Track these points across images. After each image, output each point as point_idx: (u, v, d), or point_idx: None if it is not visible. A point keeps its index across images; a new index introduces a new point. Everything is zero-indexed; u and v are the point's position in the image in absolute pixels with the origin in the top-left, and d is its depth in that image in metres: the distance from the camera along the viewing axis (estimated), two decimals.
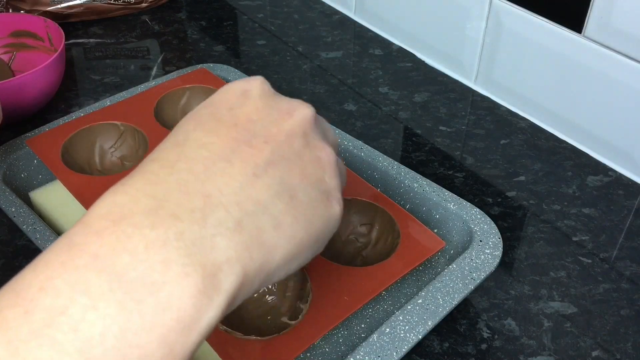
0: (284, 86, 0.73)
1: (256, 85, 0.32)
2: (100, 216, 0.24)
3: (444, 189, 0.52)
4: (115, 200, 0.25)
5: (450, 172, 0.62)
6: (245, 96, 0.31)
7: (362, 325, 0.45)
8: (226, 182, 0.26)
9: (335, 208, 0.31)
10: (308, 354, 0.43)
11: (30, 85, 0.62)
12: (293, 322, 0.42)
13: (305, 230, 0.28)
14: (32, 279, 0.23)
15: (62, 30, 0.68)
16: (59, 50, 0.65)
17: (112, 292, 0.22)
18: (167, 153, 0.28)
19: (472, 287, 0.44)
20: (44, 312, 0.22)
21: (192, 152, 0.27)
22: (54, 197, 0.54)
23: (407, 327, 0.41)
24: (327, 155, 0.31)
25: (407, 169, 0.54)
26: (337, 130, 0.58)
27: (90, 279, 0.22)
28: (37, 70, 0.61)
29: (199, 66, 0.66)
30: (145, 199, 0.25)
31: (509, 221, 0.57)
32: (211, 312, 0.24)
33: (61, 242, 0.24)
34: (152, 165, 0.27)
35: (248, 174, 0.27)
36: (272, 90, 0.33)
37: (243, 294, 0.26)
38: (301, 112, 0.31)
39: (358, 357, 0.40)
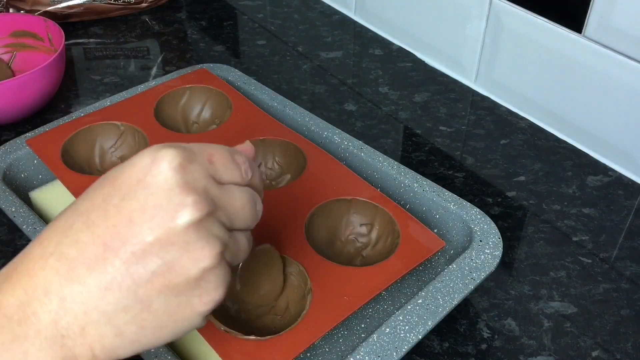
0: (284, 86, 0.73)
1: (163, 170, 0.29)
2: None
3: (444, 189, 0.52)
4: (3, 286, 0.29)
5: (450, 172, 0.62)
6: (143, 186, 0.29)
7: (362, 325, 0.45)
8: (80, 291, 0.28)
9: (200, 308, 0.31)
10: (308, 354, 0.43)
11: (31, 85, 0.62)
12: (293, 322, 0.42)
13: (152, 334, 0.30)
14: None
15: (62, 30, 0.68)
16: (59, 50, 0.65)
17: None
18: (51, 240, 0.30)
19: (472, 287, 0.44)
20: None
21: (65, 249, 0.29)
22: (54, 197, 0.54)
23: (407, 327, 0.41)
24: (204, 261, 0.30)
25: (407, 169, 0.54)
26: (337, 131, 0.58)
27: None
28: (37, 71, 0.61)
29: (199, 66, 0.66)
30: (20, 290, 0.29)
31: (509, 221, 0.57)
32: None
33: None
34: (36, 249, 0.30)
35: (100, 286, 0.28)
36: (179, 172, 0.30)
37: None
38: (183, 216, 0.29)
39: (358, 357, 0.40)
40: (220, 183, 0.32)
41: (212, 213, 0.30)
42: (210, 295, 0.31)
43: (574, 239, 0.55)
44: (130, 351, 0.30)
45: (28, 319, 0.28)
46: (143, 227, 0.29)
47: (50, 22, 0.70)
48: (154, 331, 0.30)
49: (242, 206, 0.32)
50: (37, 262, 0.29)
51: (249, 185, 0.34)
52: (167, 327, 0.30)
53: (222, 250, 0.31)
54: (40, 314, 0.28)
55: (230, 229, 0.32)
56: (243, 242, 0.34)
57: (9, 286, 0.29)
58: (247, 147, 0.37)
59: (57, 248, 0.29)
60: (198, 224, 0.29)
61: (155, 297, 0.29)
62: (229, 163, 0.32)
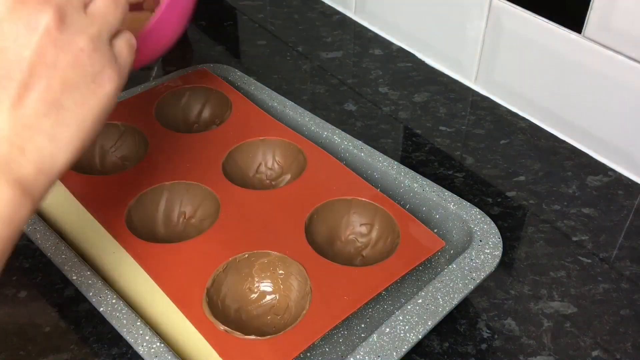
0: (284, 86, 0.73)
1: (43, 18, 0.32)
2: None
3: (444, 189, 0.52)
4: None
5: (450, 172, 0.62)
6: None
7: (362, 325, 0.45)
8: (3, 120, 0.32)
9: (106, 88, 0.35)
10: (308, 354, 0.43)
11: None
12: (293, 322, 0.42)
13: (78, 127, 0.34)
14: None
15: None
16: None
17: None
18: None
19: (472, 287, 0.44)
20: None
21: None
22: (54, 197, 0.53)
23: (407, 327, 0.41)
24: (85, 51, 0.34)
25: (407, 169, 0.54)
26: (337, 131, 0.58)
27: None
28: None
29: (199, 66, 0.66)
30: None
31: (509, 221, 0.57)
32: (24, 213, 0.33)
33: None
34: None
35: (15, 107, 0.32)
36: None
37: (45, 189, 0.34)
38: (40, 20, 0.32)
39: (358, 357, 0.40)
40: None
41: (62, 11, 0.33)
42: (104, 77, 0.35)
43: (574, 239, 0.55)
44: (69, 155, 0.34)
45: None
46: (15, 49, 0.32)
47: None
48: (78, 124, 0.34)
49: (107, 11, 0.35)
50: None
51: None
52: (87, 116, 0.34)
53: (91, 38, 0.34)
54: None
55: (86, 7, 0.35)
56: (122, 45, 0.37)
57: None
58: None
59: None
60: (56, 24, 0.33)
61: (62, 96, 0.33)
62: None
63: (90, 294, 0.43)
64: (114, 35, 0.36)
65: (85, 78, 0.34)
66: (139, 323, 0.41)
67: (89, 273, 0.44)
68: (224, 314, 0.43)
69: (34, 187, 0.33)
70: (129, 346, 0.41)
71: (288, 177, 0.56)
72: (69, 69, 0.33)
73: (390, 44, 0.81)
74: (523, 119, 0.69)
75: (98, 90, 0.35)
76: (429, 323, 0.42)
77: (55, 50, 0.33)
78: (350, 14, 0.86)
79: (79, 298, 0.49)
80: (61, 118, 0.33)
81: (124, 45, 0.37)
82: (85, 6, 0.35)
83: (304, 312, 0.42)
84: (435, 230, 0.51)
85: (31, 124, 0.32)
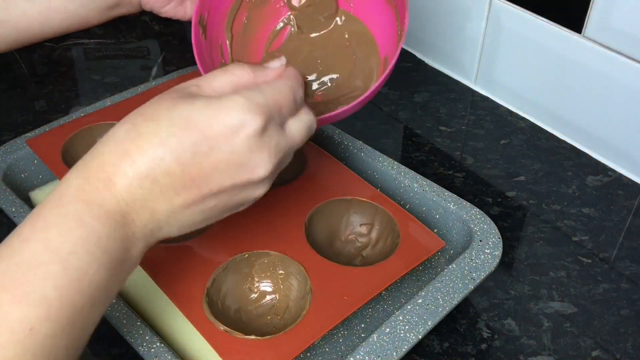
0: None
1: (248, 132, 0.36)
2: (99, 205, 0.34)
3: (444, 189, 0.52)
4: (108, 197, 0.35)
5: (450, 172, 0.62)
6: (229, 141, 0.35)
7: (362, 325, 0.45)
8: (167, 208, 0.36)
9: (256, 195, 0.39)
10: (308, 354, 0.43)
11: None
12: (293, 322, 0.42)
13: (213, 220, 0.39)
14: (62, 243, 0.33)
15: None
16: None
17: (107, 263, 0.34)
18: (139, 166, 0.35)
19: (472, 287, 0.44)
20: (75, 271, 0.33)
21: (159, 176, 0.35)
22: None
23: (407, 327, 0.41)
24: (257, 194, 0.39)
25: (407, 169, 0.54)
26: (337, 131, 0.58)
27: (97, 254, 0.34)
28: None
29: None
30: (122, 203, 0.35)
31: (509, 221, 0.57)
32: (139, 260, 0.37)
33: (73, 214, 0.34)
34: (128, 169, 0.35)
35: (182, 206, 0.36)
36: (260, 138, 0.36)
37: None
38: (257, 174, 0.37)
39: (358, 357, 0.40)
40: (284, 124, 0.39)
41: (274, 171, 0.38)
42: (262, 188, 0.39)
43: (574, 239, 0.55)
44: (179, 234, 0.39)
45: (129, 225, 0.35)
46: (224, 175, 0.36)
47: None
48: (214, 219, 0.39)
49: (301, 140, 0.40)
50: (134, 180, 0.35)
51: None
52: (224, 214, 0.39)
53: (269, 185, 0.39)
54: (137, 222, 0.35)
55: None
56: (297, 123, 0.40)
57: (112, 197, 0.35)
58: (282, 67, 0.41)
59: (150, 173, 0.35)
60: (265, 181, 0.38)
61: (216, 214, 0.38)
62: (293, 106, 0.39)
63: None
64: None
65: (239, 206, 0.39)
66: (139, 323, 0.41)
67: None
68: (224, 314, 0.43)
69: (148, 250, 0.38)
70: (129, 346, 0.41)
71: (288, 177, 0.56)
72: (237, 202, 0.38)
73: None
74: (523, 119, 0.69)
75: (250, 197, 0.39)
76: (429, 323, 0.42)
77: (245, 194, 0.38)
78: None
79: None
80: (200, 223, 0.38)
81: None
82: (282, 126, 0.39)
83: (304, 312, 0.42)
84: (435, 230, 0.51)
85: (181, 220, 0.37)
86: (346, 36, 0.52)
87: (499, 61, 0.69)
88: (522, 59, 0.67)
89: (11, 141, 0.56)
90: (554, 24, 0.62)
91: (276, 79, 0.39)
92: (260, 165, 0.36)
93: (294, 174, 0.55)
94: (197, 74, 0.64)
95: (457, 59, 0.74)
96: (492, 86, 0.72)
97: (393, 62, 0.44)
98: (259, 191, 0.38)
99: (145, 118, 0.36)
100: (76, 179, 0.35)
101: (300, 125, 0.39)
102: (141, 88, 0.63)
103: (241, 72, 0.39)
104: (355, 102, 0.45)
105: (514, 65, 0.68)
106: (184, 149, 0.35)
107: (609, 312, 0.49)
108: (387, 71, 0.44)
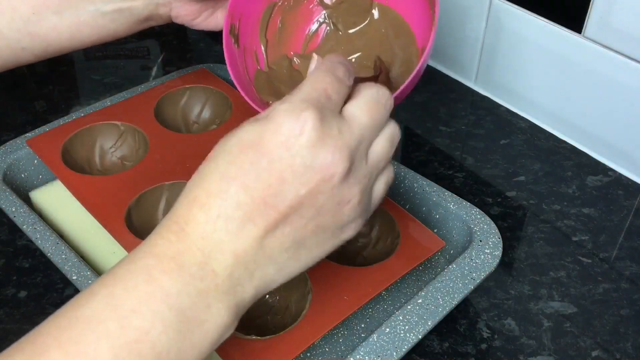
0: None
1: (306, 131, 0.32)
2: (171, 255, 0.32)
3: (444, 189, 0.52)
4: (179, 244, 0.32)
5: (450, 172, 0.62)
6: (288, 148, 0.32)
7: (362, 325, 0.45)
8: (250, 244, 0.32)
9: (345, 236, 0.36)
10: (308, 354, 0.43)
11: None
12: (293, 322, 0.42)
13: (305, 264, 0.35)
14: (124, 299, 0.31)
15: None
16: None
17: (176, 323, 0.31)
18: (211, 206, 0.33)
19: (472, 287, 0.44)
20: (134, 331, 0.30)
21: (230, 211, 0.32)
22: (54, 197, 0.54)
23: (407, 327, 0.41)
24: (351, 202, 0.34)
25: (407, 169, 0.54)
26: None
27: (164, 312, 0.31)
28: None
29: (199, 66, 0.66)
30: (197, 252, 0.32)
31: (509, 221, 0.57)
32: (228, 333, 0.33)
33: (140, 269, 0.32)
34: (200, 215, 0.33)
35: (266, 235, 0.32)
36: (320, 133, 0.33)
37: (249, 307, 0.34)
38: (332, 170, 0.33)
39: (358, 357, 0.40)
40: (339, 111, 0.35)
41: (353, 157, 0.34)
42: (353, 225, 0.36)
43: (574, 239, 0.55)
44: (285, 280, 0.35)
45: (208, 276, 0.32)
46: (295, 184, 0.32)
47: None
48: (307, 261, 0.35)
49: (370, 118, 0.35)
50: (205, 225, 0.32)
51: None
52: (317, 255, 0.35)
53: (364, 187, 0.35)
54: (218, 271, 0.32)
55: (368, 151, 0.35)
56: (382, 149, 0.36)
57: (185, 246, 0.32)
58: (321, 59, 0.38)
59: (221, 211, 0.32)
60: (342, 177, 0.33)
61: (310, 237, 0.34)
62: (338, 85, 0.35)
63: None
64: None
65: (336, 225, 0.35)
66: None
67: (89, 273, 0.44)
68: None
69: (244, 308, 0.34)
70: None
71: None
72: (329, 216, 0.34)
73: None
74: (523, 119, 0.69)
75: (341, 236, 0.35)
76: (429, 323, 0.42)
77: (327, 198, 0.33)
78: None
79: None
80: (297, 254, 0.34)
81: (383, 187, 0.37)
82: (367, 153, 0.35)
83: (304, 312, 0.42)
84: (435, 230, 0.51)
85: (271, 254, 0.33)
86: (383, 30, 0.51)
87: (499, 61, 0.69)
88: (522, 59, 0.67)
89: (11, 141, 0.56)
90: (554, 24, 0.62)
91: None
92: (328, 160, 0.32)
93: None
94: (197, 74, 0.64)
95: (457, 59, 0.74)
96: (492, 86, 0.72)
97: (428, 47, 0.43)
98: (348, 197, 0.34)
99: (206, 160, 0.35)
100: (152, 237, 0.33)
101: (359, 103, 0.35)
102: (141, 88, 0.63)
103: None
104: (410, 77, 0.43)
105: (514, 65, 0.68)
106: (245, 172, 0.32)
107: (609, 312, 0.49)
108: (426, 53, 0.43)
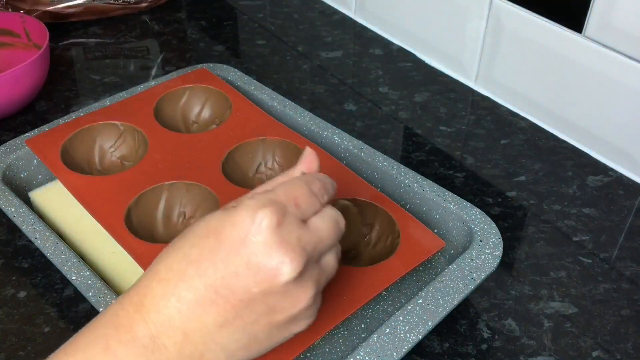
0: (284, 86, 0.73)
1: (262, 230, 0.34)
2: (128, 326, 0.33)
3: (444, 189, 0.52)
4: (135, 315, 0.34)
5: (450, 172, 0.62)
6: (245, 244, 0.34)
7: (362, 325, 0.45)
8: (199, 327, 0.34)
9: (296, 330, 0.37)
10: (308, 354, 0.43)
11: (10, 84, 0.62)
12: None
13: (256, 354, 0.36)
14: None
15: (42, 24, 0.68)
16: (43, 47, 0.64)
17: None
18: (169, 281, 0.34)
19: (472, 287, 0.44)
20: None
21: (183, 292, 0.34)
22: (53, 197, 0.54)
23: (407, 327, 0.41)
24: (301, 303, 0.35)
25: (407, 169, 0.54)
26: (337, 130, 0.58)
27: None
28: (18, 68, 0.61)
29: (199, 66, 0.66)
30: (151, 324, 0.33)
31: (509, 221, 0.57)
32: None
33: (98, 339, 0.33)
34: (158, 288, 0.34)
35: (216, 324, 0.34)
36: (276, 235, 0.34)
37: None
38: (285, 272, 0.34)
39: (358, 357, 0.40)
40: (305, 221, 0.36)
41: (309, 260, 0.35)
42: (306, 322, 0.37)
43: (574, 239, 0.55)
44: None
45: (159, 349, 0.33)
46: (248, 280, 0.33)
47: (28, 17, 0.70)
48: (258, 351, 0.36)
49: (328, 235, 0.37)
50: (161, 300, 0.34)
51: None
52: (267, 347, 0.36)
53: (316, 290, 0.36)
54: (169, 346, 0.33)
55: (320, 260, 0.37)
56: (332, 262, 0.38)
57: (141, 319, 0.34)
58: (310, 160, 0.40)
59: (175, 290, 0.34)
60: (294, 278, 0.34)
61: (261, 331, 0.35)
62: (310, 199, 0.37)
63: (90, 294, 0.43)
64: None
65: (289, 321, 0.36)
66: None
67: (88, 273, 0.44)
68: None
69: None
70: None
71: None
72: (281, 314, 0.35)
73: (390, 43, 0.81)
74: (523, 119, 0.69)
75: (292, 329, 0.37)
76: (429, 323, 0.42)
77: (280, 297, 0.34)
78: (350, 13, 0.86)
79: (79, 298, 0.48)
80: (249, 346, 0.35)
81: (334, 258, 0.38)
82: (319, 260, 0.37)
83: None
84: (435, 230, 0.51)
85: (221, 342, 0.34)
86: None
87: (499, 61, 0.69)
88: (523, 58, 0.67)
89: (11, 141, 0.56)
90: (554, 23, 0.62)
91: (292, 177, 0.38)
92: (283, 263, 0.33)
93: None
94: (197, 74, 0.64)
95: (457, 58, 0.74)
96: (492, 86, 0.72)
97: None
98: (301, 297, 0.35)
99: (176, 238, 0.36)
100: (114, 305, 0.35)
101: (323, 219, 0.37)
102: (141, 88, 0.63)
103: (270, 182, 0.38)
104: None
105: (514, 65, 0.68)
106: (204, 258, 0.34)
107: (609, 312, 0.49)
108: None
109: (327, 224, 0.37)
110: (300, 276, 0.34)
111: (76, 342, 0.34)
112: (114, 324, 0.34)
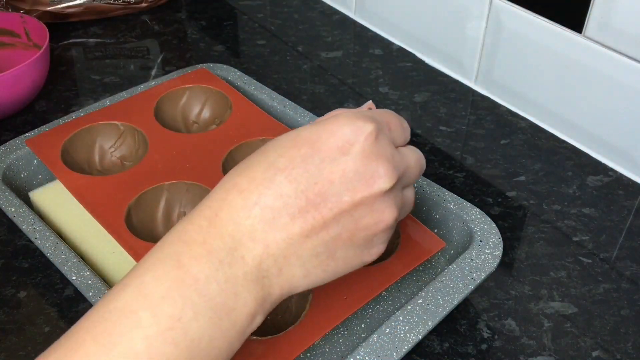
0: (284, 86, 0.73)
1: (360, 142, 0.33)
2: (200, 241, 0.32)
3: (444, 189, 0.52)
4: (209, 229, 0.32)
5: (450, 172, 0.62)
6: (343, 152, 0.33)
7: (362, 325, 0.45)
8: (283, 238, 0.32)
9: (368, 258, 0.36)
10: (308, 354, 0.43)
11: (10, 84, 0.62)
12: (293, 323, 0.42)
13: (328, 277, 0.35)
14: (154, 288, 0.30)
15: (42, 24, 0.68)
16: (44, 47, 0.64)
17: (206, 311, 0.30)
18: (252, 192, 0.33)
19: (472, 287, 0.44)
20: (166, 319, 0.29)
21: (269, 200, 0.32)
22: (53, 197, 0.54)
23: (407, 327, 0.41)
24: (384, 222, 0.35)
25: None
26: None
27: (193, 298, 0.30)
28: (19, 68, 0.61)
29: (199, 66, 0.66)
30: (228, 237, 0.32)
31: (509, 221, 0.57)
32: (254, 324, 0.33)
33: (169, 257, 0.31)
34: (237, 199, 0.33)
35: (301, 234, 0.32)
36: (373, 148, 0.34)
37: (270, 310, 0.34)
38: (380, 185, 0.33)
39: (358, 357, 0.40)
40: (395, 143, 0.36)
41: (399, 180, 0.35)
42: (377, 249, 0.36)
43: (574, 239, 0.55)
44: (305, 289, 0.35)
45: (237, 262, 0.31)
46: (342, 188, 0.33)
47: (28, 17, 0.70)
48: (329, 275, 0.35)
49: (415, 165, 0.37)
50: (241, 211, 0.32)
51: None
52: (341, 271, 0.35)
53: (398, 214, 0.36)
54: (247, 259, 0.32)
55: (402, 190, 0.37)
56: (412, 197, 0.39)
57: (216, 232, 0.32)
58: (372, 105, 0.41)
59: (260, 199, 0.32)
60: (387, 192, 0.34)
61: (340, 248, 0.34)
62: (400, 127, 0.37)
63: (90, 294, 0.43)
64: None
65: (366, 244, 0.35)
66: None
67: (88, 273, 0.44)
68: None
69: (267, 307, 0.33)
70: None
71: None
72: (363, 231, 0.34)
73: (390, 44, 0.81)
74: (523, 118, 0.69)
75: (364, 257, 0.36)
76: (429, 323, 0.42)
77: (366, 212, 0.34)
78: (350, 13, 0.86)
79: (79, 298, 0.49)
80: (325, 263, 0.34)
81: (413, 196, 0.39)
82: (406, 182, 0.37)
83: (304, 312, 0.42)
84: (435, 231, 0.51)
85: (302, 256, 0.33)
86: None
87: (499, 61, 0.69)
88: (523, 58, 0.67)
89: (11, 141, 0.56)
90: (554, 23, 0.62)
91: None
92: (380, 174, 0.33)
93: None
94: (197, 74, 0.64)
95: (457, 58, 0.74)
96: (492, 86, 0.72)
97: None
98: (384, 217, 0.34)
99: (254, 152, 0.35)
100: (181, 223, 0.33)
101: (411, 150, 0.37)
102: (141, 88, 0.63)
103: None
104: None
105: (514, 65, 0.68)
106: (295, 165, 0.32)
107: (609, 312, 0.49)
108: None
109: (414, 155, 0.37)
110: (389, 192, 0.34)
111: (143, 264, 0.32)
112: (183, 241, 0.32)
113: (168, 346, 0.29)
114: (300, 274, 0.33)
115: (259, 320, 0.33)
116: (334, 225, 0.33)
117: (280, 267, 0.32)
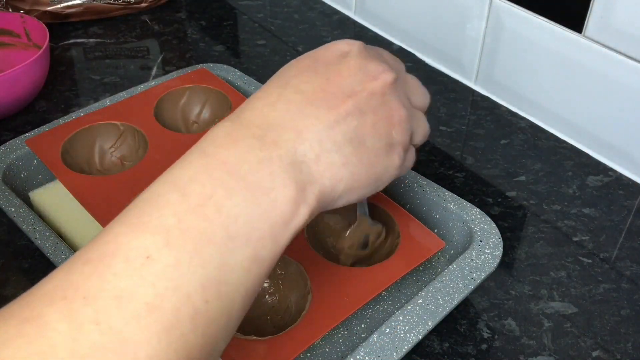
0: None
1: (355, 49, 0.37)
2: (224, 134, 0.32)
3: (444, 189, 0.52)
4: (233, 125, 0.32)
5: (450, 172, 0.62)
6: (343, 56, 0.37)
7: (362, 325, 0.45)
8: (313, 123, 0.33)
9: (394, 158, 0.37)
10: (308, 354, 0.43)
11: (10, 84, 0.62)
12: (293, 323, 0.42)
13: (366, 170, 0.35)
14: (181, 173, 0.31)
15: (42, 24, 0.68)
16: (44, 47, 0.64)
17: (240, 190, 0.30)
18: (270, 94, 0.34)
19: (472, 287, 0.44)
20: (196, 196, 0.29)
21: (290, 95, 0.34)
22: (53, 197, 0.54)
23: (407, 327, 0.41)
24: (399, 114, 0.37)
25: None
26: None
27: (224, 178, 0.30)
28: (19, 68, 0.61)
29: (199, 66, 0.66)
30: (254, 128, 0.32)
31: (509, 221, 0.57)
32: (300, 216, 0.31)
33: (194, 152, 0.32)
34: (257, 103, 0.34)
35: (330, 119, 0.33)
36: (368, 53, 0.37)
37: (316, 210, 0.33)
38: (384, 76, 0.36)
39: (358, 357, 0.40)
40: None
41: (396, 78, 0.37)
42: (397, 152, 0.37)
43: (574, 239, 0.55)
44: (346, 188, 0.34)
45: (269, 146, 0.31)
46: (352, 79, 0.35)
47: (28, 18, 0.70)
48: (367, 167, 0.35)
49: (418, 85, 0.41)
50: (264, 108, 0.33)
51: None
52: (374, 165, 0.36)
53: (408, 112, 0.38)
54: (280, 142, 0.32)
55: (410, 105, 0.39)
56: (423, 120, 0.41)
57: (242, 126, 0.32)
58: None
59: (281, 96, 0.34)
60: (393, 85, 0.37)
61: (367, 136, 0.35)
62: (421, 88, 0.42)
63: None
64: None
65: (388, 137, 0.36)
66: None
67: None
68: None
69: (310, 197, 0.32)
70: None
71: None
72: (382, 120, 0.36)
73: (390, 44, 0.81)
74: (523, 119, 0.69)
75: (388, 158, 0.37)
76: (429, 323, 0.42)
77: (380, 102, 0.36)
78: (350, 13, 0.86)
79: None
80: (359, 152, 0.35)
81: (420, 140, 0.41)
82: (410, 99, 0.40)
83: (304, 312, 0.42)
84: (435, 231, 0.51)
85: (336, 140, 0.33)
86: None
87: (499, 61, 0.69)
88: (523, 58, 0.67)
89: (11, 141, 0.56)
90: (554, 23, 0.62)
91: None
92: (377, 68, 0.36)
93: None
94: (197, 74, 0.64)
95: (457, 59, 0.74)
96: (492, 86, 0.72)
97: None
98: (395, 111, 0.37)
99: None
100: (202, 137, 0.33)
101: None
102: (141, 88, 0.63)
103: None
104: None
105: (514, 65, 0.68)
106: (304, 71, 0.35)
107: (609, 312, 0.49)
108: None
109: (415, 79, 0.41)
110: (394, 88, 0.37)
111: (169, 169, 0.32)
112: (211, 138, 0.32)
113: (201, 222, 0.29)
114: (339, 162, 0.33)
115: (304, 213, 0.32)
116: (356, 111, 0.34)
117: (317, 153, 0.33)
